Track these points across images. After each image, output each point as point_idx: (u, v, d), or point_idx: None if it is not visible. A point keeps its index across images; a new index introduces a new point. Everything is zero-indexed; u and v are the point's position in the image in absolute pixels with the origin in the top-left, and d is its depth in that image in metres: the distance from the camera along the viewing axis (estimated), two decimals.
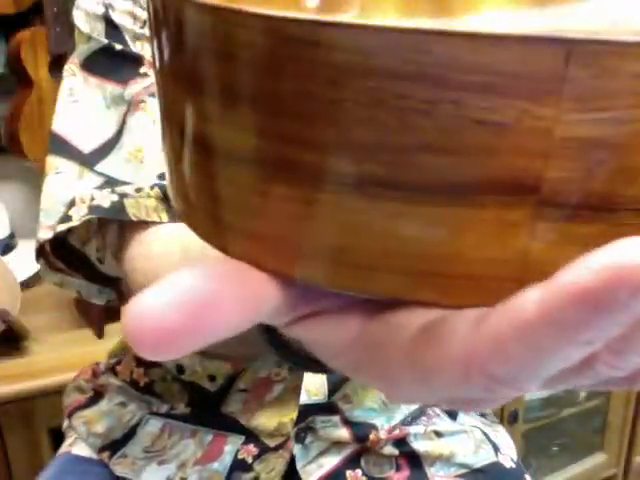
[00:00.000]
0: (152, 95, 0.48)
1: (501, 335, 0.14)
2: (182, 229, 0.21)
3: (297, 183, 0.16)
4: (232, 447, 0.56)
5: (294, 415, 0.55)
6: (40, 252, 0.50)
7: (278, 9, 0.16)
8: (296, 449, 0.56)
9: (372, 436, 0.57)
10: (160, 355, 0.15)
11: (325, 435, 0.56)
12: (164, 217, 0.45)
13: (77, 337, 1.06)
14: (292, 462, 0.56)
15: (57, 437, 0.89)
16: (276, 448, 0.55)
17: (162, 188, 0.46)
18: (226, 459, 0.55)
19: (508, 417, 1.27)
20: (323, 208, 0.16)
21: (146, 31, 0.50)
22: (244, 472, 0.55)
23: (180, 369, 0.57)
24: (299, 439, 0.56)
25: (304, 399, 0.56)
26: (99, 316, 1.06)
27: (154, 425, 0.57)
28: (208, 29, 0.16)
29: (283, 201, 0.17)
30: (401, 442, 0.58)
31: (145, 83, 0.49)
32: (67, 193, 0.47)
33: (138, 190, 0.45)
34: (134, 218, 0.44)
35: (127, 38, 0.50)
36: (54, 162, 0.50)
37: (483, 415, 0.65)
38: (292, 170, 0.16)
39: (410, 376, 0.16)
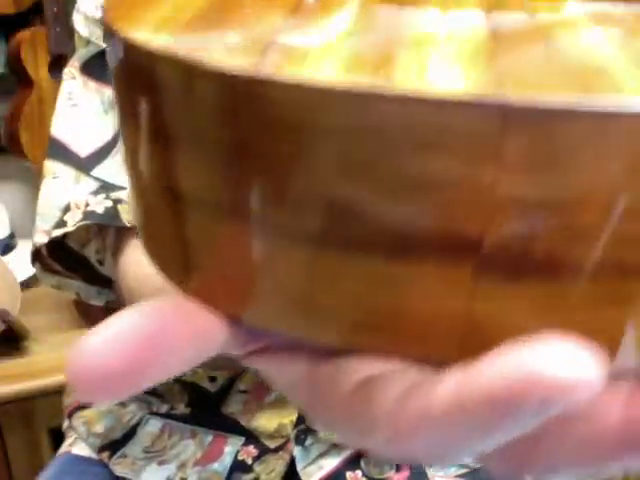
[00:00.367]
0: None
1: (418, 418, 0.14)
2: None
3: (246, 230, 0.16)
4: (232, 448, 0.56)
5: (294, 417, 0.55)
6: (36, 255, 0.50)
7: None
8: (296, 450, 0.56)
9: None
10: (100, 398, 0.15)
11: (325, 437, 0.56)
12: None
13: (77, 337, 1.06)
14: (292, 463, 0.56)
15: (57, 437, 0.89)
16: (276, 449, 0.55)
17: None
18: (226, 460, 0.55)
19: None
20: (269, 256, 0.16)
21: None
22: (244, 473, 0.55)
23: None
24: (299, 441, 0.56)
25: None
26: (99, 316, 1.06)
27: (154, 425, 0.58)
28: (162, 77, 0.17)
29: (232, 245, 0.17)
30: None
31: None
32: (63, 198, 0.48)
33: None
34: (128, 224, 0.44)
35: None
36: (51, 167, 0.50)
37: None
38: (242, 217, 0.16)
39: (348, 427, 0.17)
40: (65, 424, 0.63)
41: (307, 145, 0.15)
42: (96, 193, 0.47)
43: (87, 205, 0.46)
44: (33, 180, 1.25)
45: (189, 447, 0.56)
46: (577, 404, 0.12)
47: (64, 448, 0.61)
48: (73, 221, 0.46)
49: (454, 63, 0.17)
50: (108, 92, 0.50)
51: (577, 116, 0.14)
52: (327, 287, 0.16)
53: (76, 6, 0.51)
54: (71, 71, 0.52)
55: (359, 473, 0.57)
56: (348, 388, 0.16)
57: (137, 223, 0.21)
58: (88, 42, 0.51)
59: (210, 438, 0.56)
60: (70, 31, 0.58)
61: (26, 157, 1.25)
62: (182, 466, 0.56)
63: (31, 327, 1.05)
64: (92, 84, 0.51)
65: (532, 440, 0.14)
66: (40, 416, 0.99)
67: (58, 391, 0.71)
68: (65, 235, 0.48)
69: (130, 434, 0.58)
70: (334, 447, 0.57)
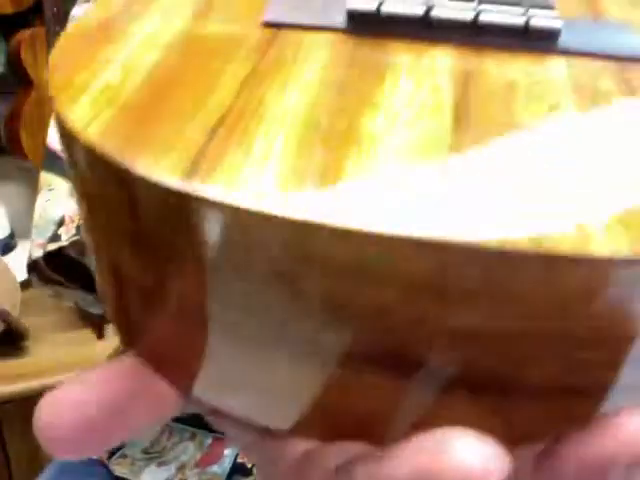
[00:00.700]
0: None
1: None
2: None
3: (183, 318, 0.18)
4: (232, 450, 0.56)
5: None
6: (33, 266, 0.50)
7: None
8: None
9: None
10: (65, 456, 0.17)
11: None
12: None
13: (77, 337, 1.07)
14: None
15: None
16: None
17: None
18: (226, 462, 0.56)
19: None
20: (210, 347, 0.18)
21: None
22: (244, 476, 0.55)
23: None
24: None
25: None
26: (99, 317, 1.06)
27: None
28: (97, 178, 0.18)
29: (175, 332, 0.18)
30: None
31: None
32: (58, 211, 0.48)
33: None
34: None
35: None
36: (47, 178, 0.50)
37: None
38: (179, 308, 0.18)
39: None
40: None
41: (231, 260, 0.16)
42: None
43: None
44: (33, 180, 1.25)
45: (189, 449, 0.56)
46: None
47: None
48: (67, 236, 0.46)
49: (408, 165, 0.17)
50: None
51: (511, 256, 0.15)
52: (270, 382, 0.17)
53: (71, 14, 0.52)
54: None
55: None
56: (295, 456, 0.17)
57: (97, 287, 0.22)
58: None
59: (210, 440, 0.56)
60: None
61: (26, 157, 1.25)
62: (182, 467, 0.56)
63: (31, 327, 1.05)
64: None
65: None
66: None
67: None
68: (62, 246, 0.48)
69: None
70: None
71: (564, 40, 0.32)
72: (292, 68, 0.27)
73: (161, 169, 0.17)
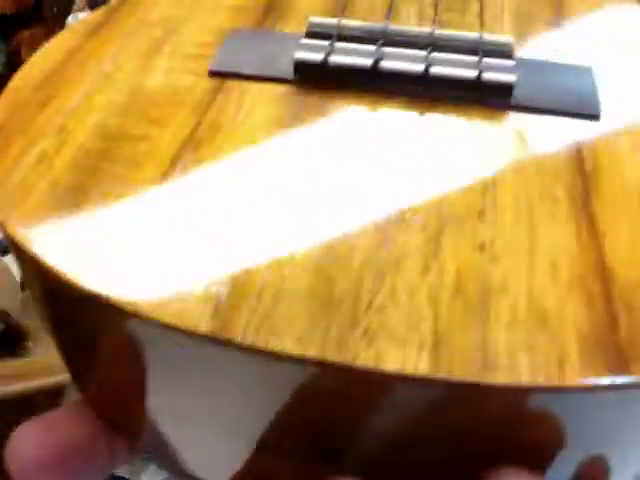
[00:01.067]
0: None
1: None
2: None
3: (122, 389, 0.20)
4: None
5: None
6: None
7: None
8: None
9: None
10: None
11: None
12: None
13: None
14: None
15: None
16: None
17: None
18: None
19: None
20: (145, 415, 0.20)
21: None
22: None
23: None
24: None
25: None
26: None
27: None
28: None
29: (117, 399, 0.20)
30: None
31: None
32: None
33: None
34: None
35: None
36: None
37: None
38: (117, 381, 0.20)
39: None
40: None
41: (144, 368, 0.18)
42: None
43: None
44: None
45: None
46: None
47: None
48: None
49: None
50: None
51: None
52: (203, 450, 0.20)
53: (67, 21, 0.52)
54: None
55: None
56: None
57: None
58: None
59: None
60: None
61: None
62: None
63: (31, 327, 1.05)
64: None
65: None
66: None
67: (58, 391, 0.71)
68: None
69: None
70: None
71: (518, 94, 0.31)
72: (231, 132, 0.28)
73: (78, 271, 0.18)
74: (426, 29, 0.33)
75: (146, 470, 0.57)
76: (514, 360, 0.18)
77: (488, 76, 0.30)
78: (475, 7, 0.38)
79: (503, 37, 0.33)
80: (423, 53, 0.31)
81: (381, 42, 0.31)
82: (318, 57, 0.29)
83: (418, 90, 0.30)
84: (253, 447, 0.18)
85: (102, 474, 0.19)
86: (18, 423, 0.21)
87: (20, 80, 0.29)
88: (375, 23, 0.32)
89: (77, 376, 0.23)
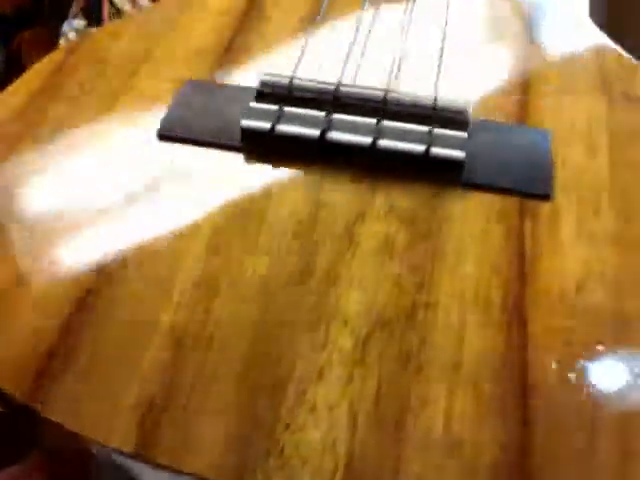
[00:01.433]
0: None
1: None
2: None
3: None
4: None
5: None
6: None
7: None
8: None
9: None
10: None
11: None
12: None
13: None
14: None
15: None
16: None
17: None
18: None
19: None
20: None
21: None
22: None
23: None
24: None
25: None
26: None
27: None
28: None
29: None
30: None
31: None
32: None
33: None
34: None
35: None
36: None
37: None
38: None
39: None
40: None
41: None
42: None
43: None
44: None
45: None
46: None
47: None
48: None
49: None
50: None
51: None
52: None
53: (62, 29, 0.52)
54: None
55: None
56: None
57: None
58: None
59: None
60: None
61: None
62: None
63: None
64: None
65: None
66: None
67: None
68: None
69: None
70: None
71: (468, 169, 0.30)
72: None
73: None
74: (379, 92, 0.31)
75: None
76: None
77: (437, 151, 0.28)
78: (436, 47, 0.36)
79: (458, 103, 0.31)
80: (373, 122, 0.30)
81: (331, 107, 0.30)
82: (265, 125, 0.29)
83: (366, 162, 0.29)
84: None
85: None
86: None
87: None
88: (327, 83, 0.31)
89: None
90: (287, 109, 0.28)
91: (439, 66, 0.33)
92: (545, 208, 0.27)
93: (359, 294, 0.23)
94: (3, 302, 0.23)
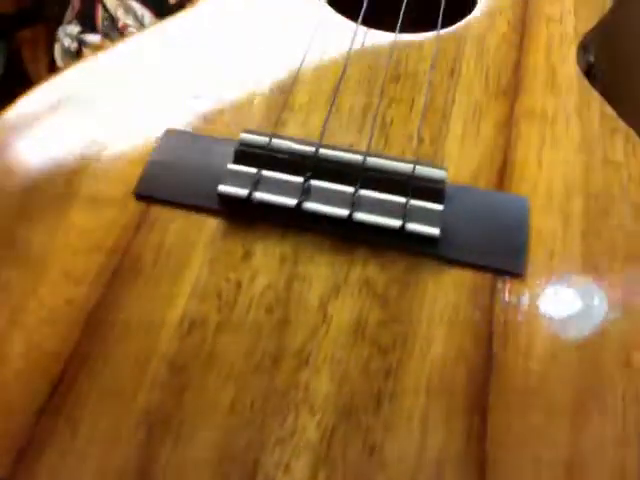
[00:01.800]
0: None
1: None
2: None
3: None
4: None
5: None
6: None
7: None
8: None
9: None
10: None
11: None
12: None
13: None
14: None
15: None
16: None
17: None
18: None
19: None
20: None
21: None
22: None
23: None
24: None
25: None
26: None
27: None
28: None
29: None
30: None
31: None
32: None
33: None
34: None
35: None
36: None
37: None
38: None
39: None
40: None
41: None
42: None
43: None
44: None
45: None
46: None
47: None
48: None
49: None
50: None
51: None
52: None
53: (57, 34, 0.52)
54: None
55: None
56: None
57: None
58: None
59: None
60: None
61: None
62: None
63: None
64: None
65: None
66: None
67: None
68: None
69: None
70: None
71: (442, 244, 0.29)
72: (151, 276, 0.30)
73: None
74: (359, 156, 0.31)
75: None
76: None
77: (413, 227, 0.28)
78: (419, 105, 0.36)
79: (436, 171, 0.31)
80: (350, 190, 0.30)
81: (309, 173, 0.30)
82: (243, 192, 0.29)
83: (341, 233, 0.29)
84: None
85: None
86: None
87: None
88: (307, 145, 0.31)
89: None
90: (265, 173, 0.28)
91: (419, 129, 0.33)
92: (517, 284, 0.27)
93: (328, 379, 0.23)
94: None
